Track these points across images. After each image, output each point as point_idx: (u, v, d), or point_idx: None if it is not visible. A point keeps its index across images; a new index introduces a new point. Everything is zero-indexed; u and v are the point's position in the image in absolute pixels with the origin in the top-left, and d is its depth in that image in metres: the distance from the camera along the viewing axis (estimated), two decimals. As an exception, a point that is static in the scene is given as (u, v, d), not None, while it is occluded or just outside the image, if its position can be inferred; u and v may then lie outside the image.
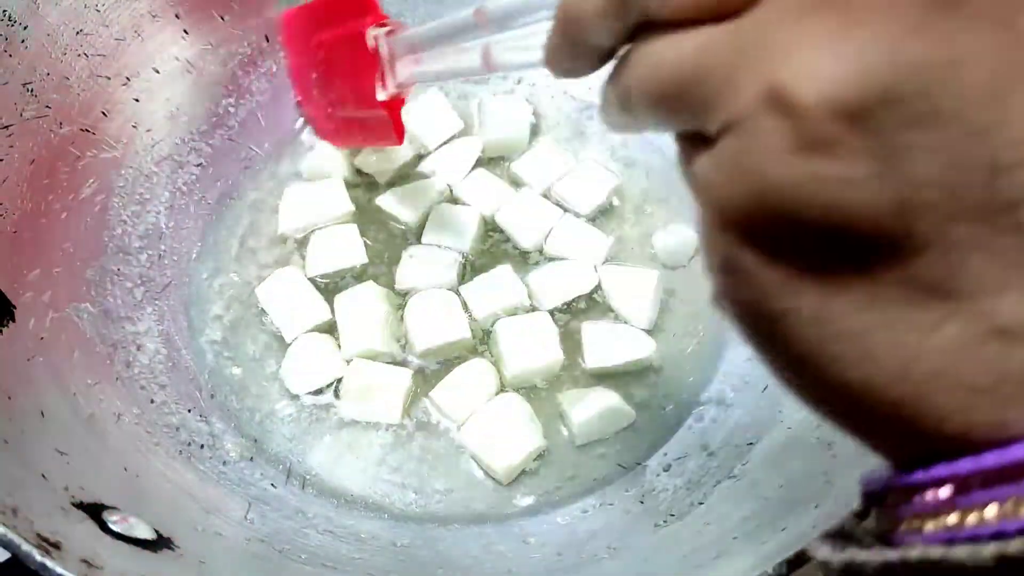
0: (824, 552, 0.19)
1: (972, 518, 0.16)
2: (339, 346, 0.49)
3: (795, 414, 0.43)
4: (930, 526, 0.17)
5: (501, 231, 0.55)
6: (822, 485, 0.36)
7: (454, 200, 0.56)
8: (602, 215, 0.56)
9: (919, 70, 0.15)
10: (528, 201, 0.55)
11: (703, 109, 0.18)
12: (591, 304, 0.52)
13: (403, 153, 0.58)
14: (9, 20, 0.45)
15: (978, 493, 0.16)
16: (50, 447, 0.36)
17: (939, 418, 0.16)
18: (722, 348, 0.51)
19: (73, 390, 0.41)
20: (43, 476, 0.34)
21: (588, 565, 0.40)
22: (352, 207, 0.55)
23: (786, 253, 0.17)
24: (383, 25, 0.44)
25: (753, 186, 0.17)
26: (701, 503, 0.42)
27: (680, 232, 0.55)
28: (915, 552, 0.16)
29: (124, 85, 0.52)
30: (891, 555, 0.17)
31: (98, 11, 0.50)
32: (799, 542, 0.31)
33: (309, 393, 0.48)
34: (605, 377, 0.49)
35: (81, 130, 0.49)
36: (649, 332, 0.51)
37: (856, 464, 0.36)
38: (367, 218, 0.55)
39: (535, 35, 0.29)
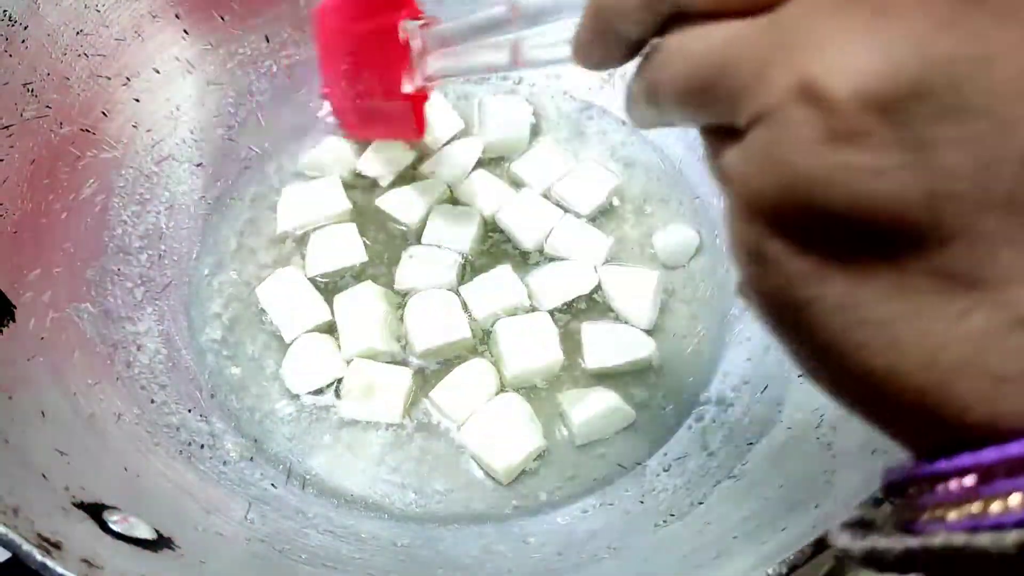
0: (844, 540, 0.19)
1: (996, 506, 0.16)
2: (339, 347, 0.49)
3: (795, 414, 0.43)
4: (953, 514, 0.17)
5: (501, 231, 0.55)
6: (822, 485, 0.36)
7: (454, 201, 0.56)
8: (602, 215, 0.56)
9: (949, 64, 0.15)
10: (528, 201, 0.55)
11: (733, 101, 0.18)
12: (591, 304, 0.52)
13: (405, 156, 0.58)
14: (9, 20, 0.45)
15: (1002, 482, 0.16)
16: (51, 447, 0.36)
17: (963, 407, 0.16)
18: (722, 348, 0.51)
19: (73, 390, 0.41)
20: (43, 476, 0.34)
21: (588, 565, 0.40)
22: (349, 205, 0.55)
23: (814, 242, 0.18)
24: (417, 19, 0.45)
25: (783, 176, 0.17)
26: (701, 503, 0.42)
27: (680, 232, 0.55)
28: (938, 539, 0.16)
29: (124, 85, 0.52)
30: (913, 542, 0.17)
31: (98, 11, 0.50)
32: (799, 542, 0.31)
33: (309, 393, 0.48)
34: (605, 377, 0.49)
35: (81, 130, 0.49)
36: (649, 332, 0.51)
37: (856, 464, 0.36)
38: (367, 219, 0.55)
39: (563, 31, 0.30)
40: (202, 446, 0.45)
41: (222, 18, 0.57)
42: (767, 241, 0.18)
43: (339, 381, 0.49)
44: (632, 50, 0.23)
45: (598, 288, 0.52)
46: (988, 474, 0.16)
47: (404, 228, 0.55)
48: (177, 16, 0.55)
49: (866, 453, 0.36)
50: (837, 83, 0.16)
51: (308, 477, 0.46)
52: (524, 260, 0.54)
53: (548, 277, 0.52)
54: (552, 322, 0.50)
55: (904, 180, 0.16)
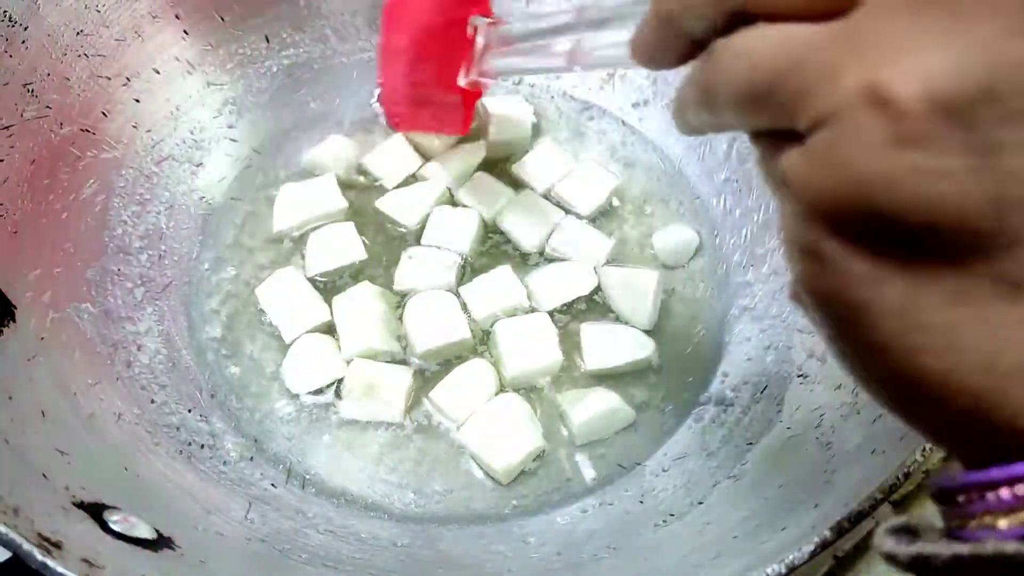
0: (890, 545, 0.19)
1: None
2: (339, 347, 0.49)
3: (795, 414, 0.43)
4: (1004, 522, 0.17)
5: (501, 233, 0.55)
6: (822, 485, 0.36)
7: (453, 203, 0.56)
8: (602, 215, 0.56)
9: (1018, 69, 0.16)
10: (529, 203, 0.56)
11: (796, 104, 0.18)
12: (591, 305, 0.52)
13: (413, 160, 0.58)
14: (9, 21, 0.45)
15: None
16: (51, 447, 0.36)
17: (1018, 412, 0.17)
18: (722, 348, 0.51)
19: (74, 390, 0.41)
20: (44, 476, 0.34)
21: (588, 565, 0.40)
22: (345, 204, 0.55)
23: (875, 244, 0.18)
24: (487, 17, 0.47)
25: (848, 177, 0.17)
26: (701, 503, 0.42)
27: (680, 232, 0.55)
28: (989, 547, 0.16)
29: (124, 85, 0.52)
30: (962, 549, 0.17)
31: (98, 12, 0.50)
32: (799, 542, 0.31)
33: (309, 393, 0.48)
34: (605, 377, 0.49)
35: (81, 130, 0.49)
36: (649, 333, 0.51)
37: (856, 464, 0.36)
38: (366, 220, 0.55)
39: (619, 33, 0.30)
40: (202, 446, 0.45)
41: (222, 18, 0.57)
42: (826, 242, 0.18)
43: (339, 381, 0.49)
44: (693, 50, 0.23)
45: (598, 289, 0.52)
46: None
47: (404, 230, 0.55)
48: (177, 16, 0.55)
49: (865, 453, 0.36)
50: (905, 86, 0.16)
51: (308, 477, 0.46)
52: (524, 261, 0.54)
53: (548, 278, 0.52)
54: (551, 323, 0.50)
55: (970, 183, 0.16)
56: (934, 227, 0.17)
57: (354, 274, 0.53)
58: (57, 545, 0.30)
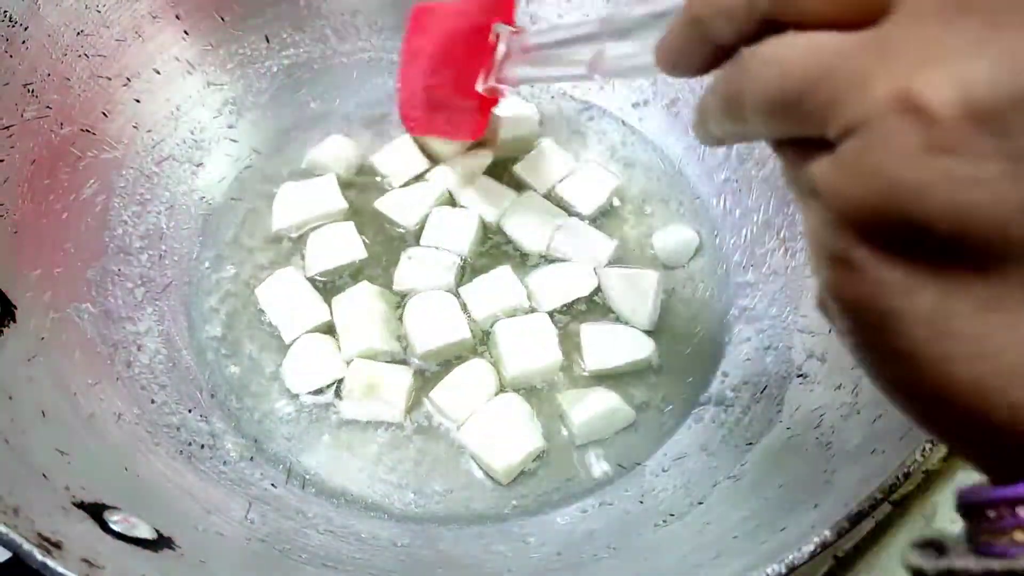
0: (917, 560, 0.19)
1: None
2: (339, 348, 0.49)
3: (794, 414, 0.43)
4: None
5: (502, 233, 0.55)
6: (821, 485, 0.36)
7: (453, 203, 0.56)
8: (602, 216, 0.56)
9: None
10: (532, 205, 0.56)
11: (826, 112, 0.18)
12: (591, 306, 0.52)
13: (419, 162, 0.58)
14: (10, 21, 0.45)
15: None
16: (51, 447, 0.36)
17: None
18: (722, 348, 0.51)
19: (74, 390, 0.41)
20: (44, 476, 0.34)
21: (588, 565, 0.40)
22: (345, 204, 0.55)
23: (906, 252, 0.18)
24: (510, 26, 0.47)
25: (879, 185, 0.17)
26: (700, 503, 0.42)
27: (680, 232, 0.55)
28: (1022, 563, 0.16)
29: (125, 86, 0.52)
30: (995, 564, 0.17)
31: (99, 12, 0.50)
32: (799, 542, 0.31)
33: (309, 393, 0.48)
34: (605, 378, 0.49)
35: (82, 130, 0.49)
36: (649, 333, 0.51)
37: (855, 464, 0.36)
38: (365, 220, 0.55)
39: (643, 42, 0.30)
40: (202, 446, 0.45)
41: (222, 18, 0.57)
42: (856, 250, 0.18)
43: (339, 382, 0.49)
44: (718, 57, 0.23)
45: (597, 289, 0.52)
46: None
47: (403, 230, 0.55)
48: (177, 17, 0.55)
49: (865, 453, 0.36)
50: (937, 94, 0.16)
51: (308, 477, 0.46)
52: (523, 261, 0.54)
53: (547, 278, 0.52)
54: (551, 323, 0.50)
55: (1003, 190, 0.16)
56: (966, 234, 0.17)
57: (353, 274, 0.53)
58: (57, 545, 0.30)
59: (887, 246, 0.18)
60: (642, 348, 0.50)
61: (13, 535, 0.29)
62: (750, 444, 0.44)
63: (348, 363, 0.49)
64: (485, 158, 0.58)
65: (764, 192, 0.54)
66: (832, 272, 0.19)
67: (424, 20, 0.56)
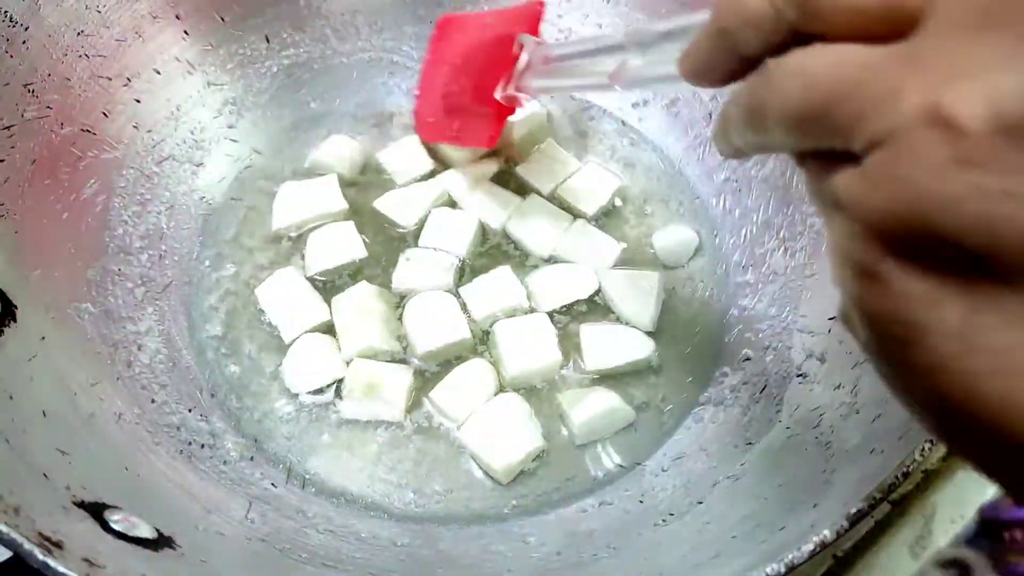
0: None
1: None
2: (339, 348, 0.49)
3: (794, 414, 0.44)
4: None
5: (502, 236, 0.55)
6: (821, 485, 0.36)
7: (452, 205, 0.56)
8: (603, 216, 0.57)
9: None
10: (536, 209, 0.55)
11: (853, 124, 0.18)
12: (591, 306, 0.52)
13: (424, 162, 0.58)
14: (10, 21, 0.45)
15: None
16: (51, 447, 0.36)
17: None
18: (721, 348, 0.51)
19: (74, 390, 0.41)
20: (44, 475, 0.34)
21: (587, 564, 0.41)
22: (346, 205, 0.55)
23: (935, 264, 0.18)
24: (535, 37, 0.48)
25: (908, 197, 0.17)
26: (700, 503, 0.42)
27: (680, 232, 0.55)
28: None
29: (125, 86, 0.52)
30: None
31: (99, 12, 0.50)
32: (798, 541, 0.31)
33: (309, 393, 0.48)
34: (605, 377, 0.49)
35: (82, 131, 0.49)
36: (650, 333, 0.51)
37: (855, 464, 0.36)
38: (365, 220, 0.55)
39: (667, 53, 0.30)
40: (202, 446, 0.45)
41: (222, 19, 0.57)
42: (882, 262, 0.18)
43: (339, 382, 0.49)
44: (742, 68, 0.23)
45: (597, 291, 0.52)
46: None
47: (402, 231, 0.55)
48: (178, 17, 0.55)
49: (864, 453, 0.36)
50: (967, 107, 0.16)
51: (308, 476, 0.46)
52: (523, 261, 0.54)
53: (548, 279, 0.52)
54: (550, 323, 0.50)
55: None
56: (996, 247, 0.17)
57: (353, 274, 0.53)
58: (58, 545, 0.30)
59: (914, 259, 0.18)
60: (642, 348, 0.50)
61: (14, 534, 0.29)
62: (750, 444, 0.44)
63: (348, 363, 0.49)
64: (493, 165, 0.58)
65: (764, 192, 0.54)
66: (857, 285, 0.19)
67: (449, 29, 0.57)
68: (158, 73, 0.54)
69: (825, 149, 0.20)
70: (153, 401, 0.46)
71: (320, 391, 0.48)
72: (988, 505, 0.19)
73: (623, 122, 0.61)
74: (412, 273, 0.52)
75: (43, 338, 0.42)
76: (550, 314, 0.51)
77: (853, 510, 0.31)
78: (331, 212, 0.55)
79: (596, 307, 0.52)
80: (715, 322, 0.52)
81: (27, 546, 0.29)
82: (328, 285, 0.53)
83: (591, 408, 0.47)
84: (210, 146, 0.57)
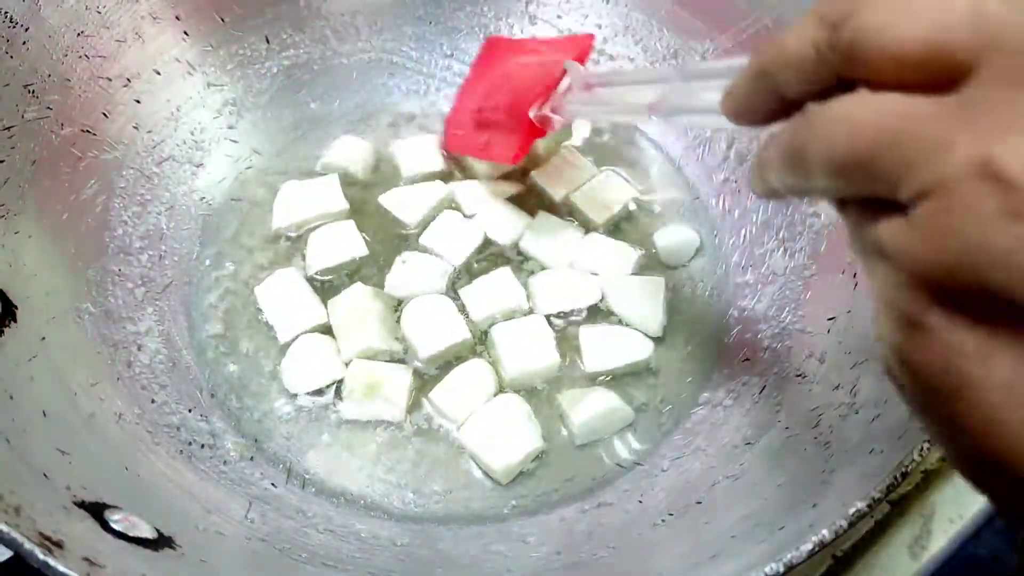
0: None
1: None
2: (338, 349, 0.49)
3: (793, 414, 0.44)
4: None
5: (511, 249, 0.55)
6: (820, 485, 0.36)
7: (456, 206, 0.56)
8: (621, 222, 0.56)
9: None
10: (549, 225, 0.55)
11: (900, 174, 0.18)
12: (592, 309, 0.52)
13: (436, 161, 0.58)
14: (10, 22, 0.45)
15: None
16: (52, 447, 0.37)
17: None
18: (721, 349, 0.51)
19: (74, 390, 0.41)
20: (45, 475, 0.34)
21: (587, 564, 0.41)
22: (346, 205, 0.55)
23: (983, 316, 0.18)
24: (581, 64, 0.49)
25: (958, 249, 0.17)
26: (699, 503, 0.42)
27: (680, 232, 0.56)
28: None
29: (125, 86, 0.52)
30: None
31: (99, 13, 0.50)
32: (797, 541, 0.31)
33: (308, 393, 0.49)
34: (604, 378, 0.49)
35: (82, 131, 0.49)
36: (659, 338, 0.51)
37: (854, 464, 0.36)
38: (366, 218, 0.56)
39: (712, 89, 0.30)
40: (202, 446, 0.45)
41: (222, 19, 0.57)
42: (929, 313, 0.18)
43: (339, 382, 0.49)
44: (783, 110, 0.23)
45: (600, 299, 0.52)
46: None
47: (403, 230, 0.55)
48: (178, 18, 0.55)
49: (863, 453, 0.36)
50: (1018, 160, 0.16)
51: (307, 476, 0.46)
52: (522, 265, 0.54)
53: (549, 283, 0.52)
54: (548, 324, 0.50)
55: None
56: None
57: (351, 274, 0.53)
58: (58, 544, 0.30)
59: (962, 310, 0.18)
60: (641, 349, 0.50)
61: (14, 534, 0.29)
62: (749, 444, 0.44)
63: (347, 364, 0.49)
64: (511, 187, 0.57)
65: (763, 193, 0.54)
66: (902, 335, 0.19)
67: (495, 51, 0.57)
68: (158, 74, 0.54)
69: (868, 197, 0.20)
70: (153, 401, 0.46)
71: (320, 392, 0.49)
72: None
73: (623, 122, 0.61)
74: (405, 277, 0.52)
75: (43, 338, 0.42)
76: (548, 317, 0.51)
77: (852, 510, 0.31)
78: (332, 212, 0.55)
79: (596, 311, 0.52)
80: (715, 323, 0.52)
81: (28, 546, 0.29)
82: (327, 286, 0.53)
83: (591, 408, 0.47)
84: (210, 147, 0.57)
